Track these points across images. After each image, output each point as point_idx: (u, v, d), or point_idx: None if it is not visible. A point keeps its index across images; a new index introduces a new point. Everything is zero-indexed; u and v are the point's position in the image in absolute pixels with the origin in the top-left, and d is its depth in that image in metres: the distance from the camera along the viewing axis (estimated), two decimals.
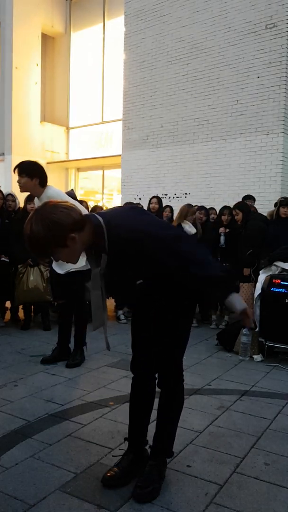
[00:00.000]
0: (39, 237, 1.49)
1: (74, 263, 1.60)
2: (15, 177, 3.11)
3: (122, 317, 5.41)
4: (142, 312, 1.90)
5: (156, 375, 1.93)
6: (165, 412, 1.94)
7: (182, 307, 1.80)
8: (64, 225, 1.50)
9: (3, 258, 4.74)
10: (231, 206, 5.20)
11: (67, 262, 1.60)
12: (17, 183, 3.10)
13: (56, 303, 5.15)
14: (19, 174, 3.04)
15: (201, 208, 5.71)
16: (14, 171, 3.08)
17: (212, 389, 3.22)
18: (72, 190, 5.58)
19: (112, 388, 3.13)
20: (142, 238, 1.55)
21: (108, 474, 1.98)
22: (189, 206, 5.18)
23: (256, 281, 4.52)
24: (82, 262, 1.84)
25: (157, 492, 1.88)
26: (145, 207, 6.24)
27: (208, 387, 3.26)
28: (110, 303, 5.90)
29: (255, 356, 4.01)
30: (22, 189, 3.04)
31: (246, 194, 6.85)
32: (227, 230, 5.15)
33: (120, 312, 5.46)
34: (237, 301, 1.60)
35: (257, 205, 5.98)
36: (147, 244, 1.56)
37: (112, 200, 12.17)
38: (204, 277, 1.58)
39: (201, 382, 3.32)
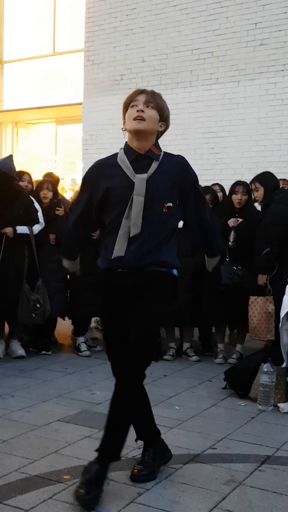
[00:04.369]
0: (165, 102, 2.82)
1: (144, 127, 2.67)
2: None
3: (83, 347, 5.39)
4: (122, 314, 2.76)
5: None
6: (123, 414, 2.71)
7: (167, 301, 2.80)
8: (169, 120, 2.83)
9: None
10: (247, 182, 5.23)
11: (143, 119, 2.67)
12: None
13: None
14: None
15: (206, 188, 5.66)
16: None
17: (218, 455, 3.22)
18: (10, 156, 5.53)
19: (67, 455, 3.12)
20: (193, 177, 2.82)
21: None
22: None
23: (275, 294, 4.56)
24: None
25: (151, 477, 2.83)
26: None
27: (212, 452, 3.26)
28: (66, 326, 5.86)
29: (280, 405, 4.04)
30: None
31: (269, 162, 6.90)
32: (239, 220, 5.15)
33: (81, 339, 5.45)
34: None
35: (286, 179, 6.04)
36: (190, 180, 2.80)
37: (69, 169, 12.11)
38: (213, 224, 3.01)
39: (201, 444, 3.33)
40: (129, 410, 2.71)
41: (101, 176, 2.76)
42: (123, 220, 2.65)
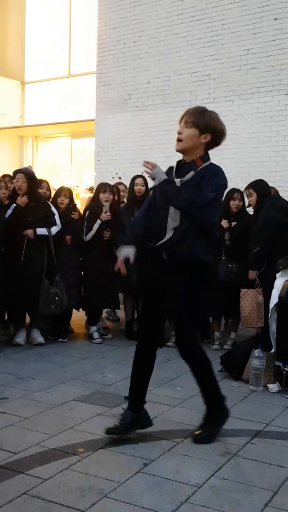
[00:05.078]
0: (206, 112, 2.87)
1: (181, 147, 2.84)
2: None
3: (95, 335, 5.40)
4: (157, 289, 2.95)
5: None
6: (198, 379, 3.06)
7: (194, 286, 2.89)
8: (218, 125, 2.91)
9: None
10: (241, 190, 5.22)
11: (180, 140, 2.83)
12: None
13: None
14: None
15: None
16: None
17: None
18: (29, 167, 5.54)
19: (82, 430, 3.13)
20: (223, 185, 2.92)
21: (111, 426, 3.05)
22: None
23: (262, 287, 4.58)
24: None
25: (213, 438, 3.03)
26: (125, 190, 6.21)
27: None
28: (80, 316, 5.87)
29: (270, 386, 4.05)
30: None
31: (260, 172, 6.89)
32: (234, 223, 5.16)
33: (94, 328, 5.46)
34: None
35: (274, 187, 6.02)
36: (209, 180, 2.83)
37: (82, 179, 12.12)
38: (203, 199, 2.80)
39: (199, 421, 3.30)
40: (203, 370, 3.03)
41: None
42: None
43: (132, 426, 3.04)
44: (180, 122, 2.85)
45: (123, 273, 2.95)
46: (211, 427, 3.07)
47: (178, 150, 2.88)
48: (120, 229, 5.35)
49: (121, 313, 6.26)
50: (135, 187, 5.55)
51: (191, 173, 2.84)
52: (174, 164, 2.96)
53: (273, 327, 4.19)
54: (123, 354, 4.94)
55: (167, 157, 8.75)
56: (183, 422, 3.33)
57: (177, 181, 2.84)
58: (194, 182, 2.82)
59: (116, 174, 9.09)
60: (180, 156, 2.99)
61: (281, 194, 5.66)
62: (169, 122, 8.65)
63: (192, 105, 8.93)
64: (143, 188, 5.54)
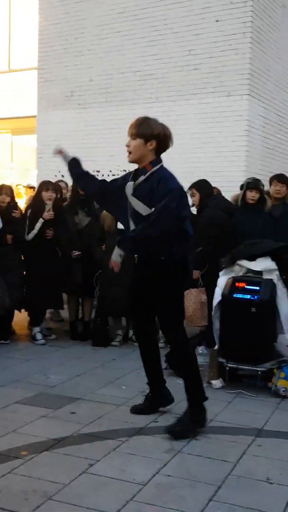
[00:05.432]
0: (147, 121, 3.06)
1: (132, 159, 3.09)
2: None
3: (38, 336, 5.33)
4: (142, 287, 3.29)
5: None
6: (183, 371, 3.28)
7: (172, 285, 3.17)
8: (160, 130, 3.07)
9: None
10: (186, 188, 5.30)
11: (129, 153, 3.08)
12: None
13: None
14: None
15: None
16: None
17: (159, 427, 3.26)
18: None
19: (25, 433, 3.08)
20: (172, 189, 3.06)
21: (135, 405, 3.49)
22: None
23: (205, 286, 4.66)
24: None
25: (185, 435, 3.08)
26: (68, 188, 6.17)
27: (154, 425, 3.30)
28: (22, 317, 5.77)
29: (213, 382, 4.13)
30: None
31: (204, 172, 7.01)
32: None
33: (37, 329, 5.38)
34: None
35: (217, 187, 6.16)
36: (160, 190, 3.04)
37: (24, 176, 11.92)
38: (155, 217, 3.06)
39: (144, 419, 3.37)
40: (190, 365, 3.24)
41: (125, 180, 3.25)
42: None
43: (154, 406, 3.44)
44: (128, 136, 3.09)
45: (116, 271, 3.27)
46: (190, 424, 3.14)
47: (130, 162, 3.12)
48: (63, 228, 5.32)
49: (65, 313, 6.22)
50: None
51: (142, 177, 3.08)
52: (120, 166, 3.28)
53: (216, 325, 4.28)
54: (67, 355, 4.90)
55: (110, 155, 8.81)
56: (128, 421, 3.34)
57: (130, 184, 3.10)
58: (147, 186, 3.05)
59: (59, 172, 8.98)
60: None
61: (224, 194, 5.79)
62: (112, 120, 8.67)
63: (135, 104, 9.07)
64: None
